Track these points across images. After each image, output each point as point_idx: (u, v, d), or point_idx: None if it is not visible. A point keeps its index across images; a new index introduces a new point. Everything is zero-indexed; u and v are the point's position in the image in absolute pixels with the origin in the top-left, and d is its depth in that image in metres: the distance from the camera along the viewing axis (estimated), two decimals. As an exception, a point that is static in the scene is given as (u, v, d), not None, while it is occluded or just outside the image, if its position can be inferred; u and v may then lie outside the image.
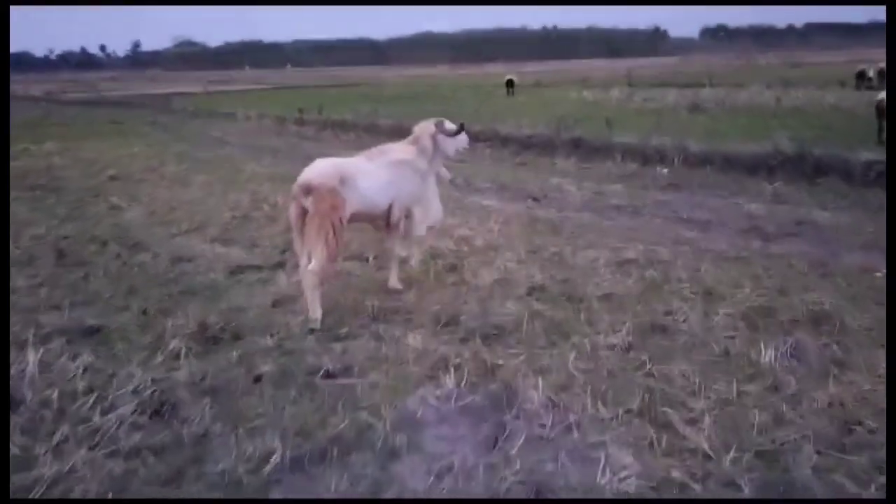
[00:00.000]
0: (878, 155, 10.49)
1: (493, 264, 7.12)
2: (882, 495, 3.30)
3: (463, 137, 6.51)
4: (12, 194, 12.01)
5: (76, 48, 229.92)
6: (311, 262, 5.65)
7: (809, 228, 8.43)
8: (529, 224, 9.00)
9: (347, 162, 6.11)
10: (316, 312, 5.72)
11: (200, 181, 12.55)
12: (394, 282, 6.52)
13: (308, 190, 5.68)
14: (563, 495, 3.45)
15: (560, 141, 14.65)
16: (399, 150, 6.35)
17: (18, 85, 73.47)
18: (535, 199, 10.60)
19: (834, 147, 11.63)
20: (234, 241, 8.44)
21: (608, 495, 3.42)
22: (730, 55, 75.87)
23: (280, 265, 7.38)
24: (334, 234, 5.61)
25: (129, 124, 26.22)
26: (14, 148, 18.06)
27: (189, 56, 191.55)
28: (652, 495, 3.42)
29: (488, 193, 11.27)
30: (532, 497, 3.45)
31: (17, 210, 10.59)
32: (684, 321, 5.55)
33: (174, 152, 16.86)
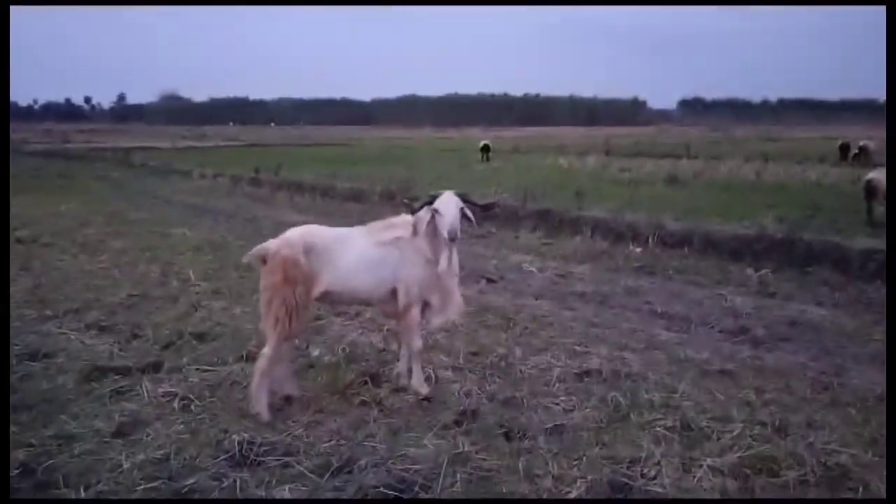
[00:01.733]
0: (877, 243, 9.25)
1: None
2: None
3: (450, 216, 4.91)
4: None
5: (61, 99, 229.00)
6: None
7: (805, 331, 7.07)
8: (478, 314, 7.58)
9: (327, 232, 5.10)
10: (259, 406, 4.83)
11: (116, 248, 11.08)
12: (418, 382, 5.33)
13: (264, 259, 4.88)
14: None
15: (526, 212, 13.37)
16: (405, 227, 5.18)
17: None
18: (489, 281, 9.23)
19: (825, 230, 10.43)
20: (114, 328, 6.94)
21: None
22: (706, 127, 76.42)
23: (154, 367, 5.87)
24: (287, 312, 4.76)
25: (78, 179, 24.81)
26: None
27: (173, 110, 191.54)
28: None
29: (438, 272, 9.88)
30: None
31: None
32: (655, 477, 4.11)
33: (106, 212, 15.41)
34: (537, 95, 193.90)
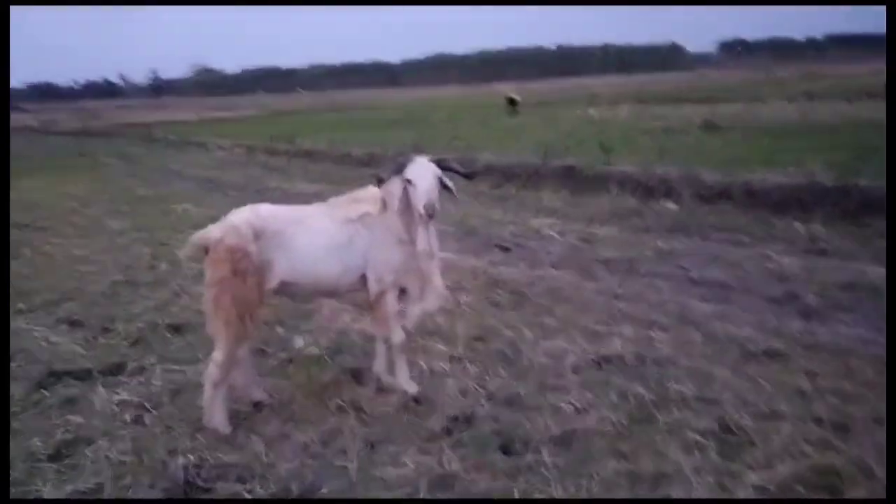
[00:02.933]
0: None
1: (410, 366, 4.89)
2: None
3: (424, 187, 4.09)
4: None
5: (100, 78, 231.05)
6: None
7: (866, 296, 6.08)
8: (487, 289, 6.78)
9: (280, 212, 4.26)
10: (214, 420, 4.15)
11: (113, 229, 10.49)
12: (404, 381, 4.59)
13: (207, 249, 4.13)
14: None
15: (547, 170, 12.39)
16: (373, 201, 4.33)
17: (27, 115, 72.98)
18: (503, 249, 8.37)
19: (883, 175, 9.29)
20: (85, 322, 6.32)
21: None
22: (748, 69, 73.10)
23: (116, 369, 5.22)
24: (238, 311, 4.02)
25: (96, 156, 24.43)
26: (-57, 187, 16.29)
27: (205, 83, 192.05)
28: None
29: (447, 241, 9.01)
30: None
31: None
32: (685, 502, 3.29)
33: (113, 190, 14.91)
34: (569, 47, 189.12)
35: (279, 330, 5.86)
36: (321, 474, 3.71)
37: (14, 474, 3.80)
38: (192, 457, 3.81)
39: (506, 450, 3.87)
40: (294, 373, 5.00)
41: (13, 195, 14.64)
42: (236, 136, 26.57)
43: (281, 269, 4.12)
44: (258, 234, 4.06)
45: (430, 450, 3.89)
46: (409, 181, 4.12)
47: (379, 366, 4.69)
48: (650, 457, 3.70)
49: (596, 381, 4.64)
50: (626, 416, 4.16)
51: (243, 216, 4.15)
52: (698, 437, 3.84)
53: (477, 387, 4.63)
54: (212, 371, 4.09)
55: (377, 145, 17.82)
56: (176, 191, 14.67)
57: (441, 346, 5.29)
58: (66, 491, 3.59)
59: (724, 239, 8.31)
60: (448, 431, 4.07)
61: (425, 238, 4.23)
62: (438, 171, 4.17)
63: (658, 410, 4.17)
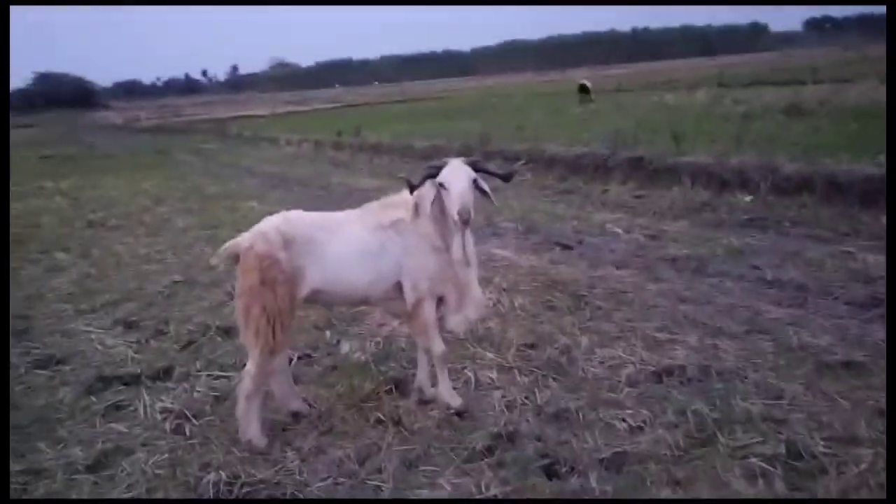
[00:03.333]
0: None
1: (456, 375, 4.68)
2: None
3: (458, 191, 3.79)
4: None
5: (181, 74, 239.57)
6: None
7: (964, 300, 5.49)
8: (544, 290, 6.49)
9: (310, 219, 4.10)
10: (249, 432, 4.01)
11: (179, 227, 10.65)
12: (447, 394, 4.34)
13: (237, 258, 4.02)
14: None
15: (616, 161, 11.90)
16: (406, 207, 4.17)
17: (113, 113, 76.34)
18: (565, 247, 8.03)
19: None
20: (141, 324, 6.37)
21: None
22: (836, 48, 69.16)
23: (163, 374, 5.21)
24: (269, 321, 3.88)
25: (173, 153, 25.15)
26: (29, 186, 17.09)
27: (281, 77, 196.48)
28: None
29: (508, 238, 8.77)
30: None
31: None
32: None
33: (184, 188, 15.21)
34: (646, 29, 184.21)
35: (327, 334, 5.74)
36: (355, 493, 3.54)
37: (53, 486, 3.79)
38: (224, 473, 3.69)
39: (550, 472, 3.61)
40: (337, 381, 4.85)
41: (94, 193, 15.22)
42: (306, 130, 26.87)
43: (312, 278, 3.96)
44: (288, 242, 3.91)
45: (470, 471, 3.66)
46: (441, 185, 3.88)
47: (421, 377, 4.49)
48: (708, 485, 3.38)
49: (654, 396, 4.32)
50: (684, 436, 3.83)
51: (273, 223, 4.01)
52: (764, 465, 3.49)
53: (524, 400, 4.38)
54: (245, 383, 3.97)
55: (441, 137, 17.61)
56: (244, 188, 14.88)
57: (490, 354, 5.05)
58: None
59: (803, 235, 7.75)
60: (490, 450, 3.83)
61: (461, 245, 3.98)
62: (473, 174, 3.90)
63: (720, 431, 3.83)
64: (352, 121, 27.37)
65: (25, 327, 6.52)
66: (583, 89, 31.54)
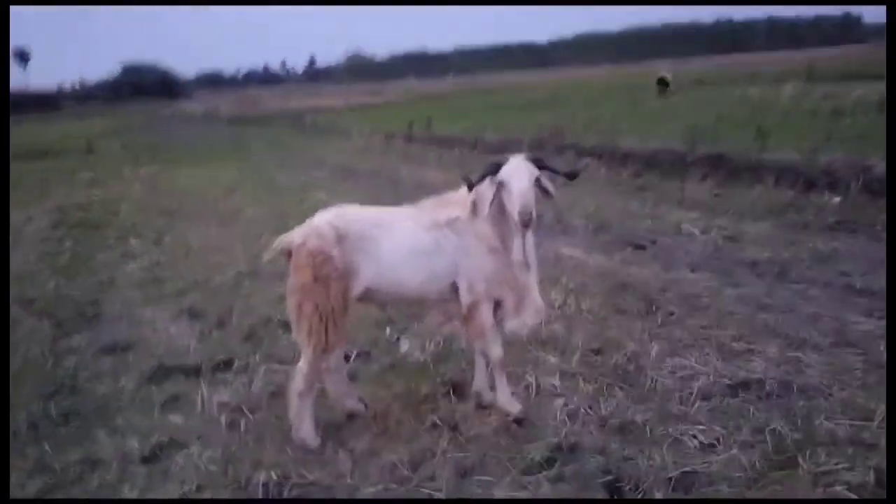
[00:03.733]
0: None
1: (517, 381, 4.50)
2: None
3: (519, 191, 3.59)
4: (65, 224, 11.26)
5: (260, 66, 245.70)
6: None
7: None
8: (614, 293, 6.21)
9: (364, 214, 4.01)
10: (302, 431, 3.94)
11: (249, 217, 10.78)
12: (505, 400, 4.13)
13: (289, 253, 3.93)
14: None
15: (694, 158, 11.41)
16: (464, 204, 3.97)
17: (195, 103, 78.80)
18: (637, 247, 7.71)
19: None
20: (204, 314, 6.42)
21: None
22: (938, 39, 64.62)
23: (223, 365, 5.22)
24: (322, 319, 3.77)
25: (248, 144, 25.69)
26: (110, 173, 17.71)
27: (356, 69, 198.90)
28: None
29: (577, 236, 8.49)
30: None
31: (31, 254, 9.31)
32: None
33: (257, 178, 15.45)
34: (730, 21, 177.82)
35: (386, 331, 5.63)
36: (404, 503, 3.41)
37: (107, 476, 3.80)
38: (275, 473, 3.62)
39: (613, 490, 3.39)
40: (394, 381, 4.73)
41: (171, 182, 15.63)
42: (378, 122, 27.02)
43: (365, 275, 3.84)
44: (341, 238, 3.79)
45: (527, 483, 3.48)
46: (502, 184, 3.67)
47: (479, 381, 4.32)
48: (790, 518, 3.09)
49: (728, 412, 4.04)
50: (760, 458, 3.55)
51: (326, 218, 3.91)
52: (847, 492, 3.18)
53: (588, 409, 4.16)
54: (297, 382, 3.89)
55: (514, 130, 17.35)
56: (313, 179, 14.99)
57: (553, 359, 4.84)
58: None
59: (899, 240, 7.18)
60: (549, 462, 3.63)
61: (521, 248, 3.78)
62: (536, 172, 3.69)
63: (801, 454, 3.52)
64: (424, 113, 27.32)
65: (95, 313, 6.68)
66: (662, 82, 30.55)
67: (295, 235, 3.90)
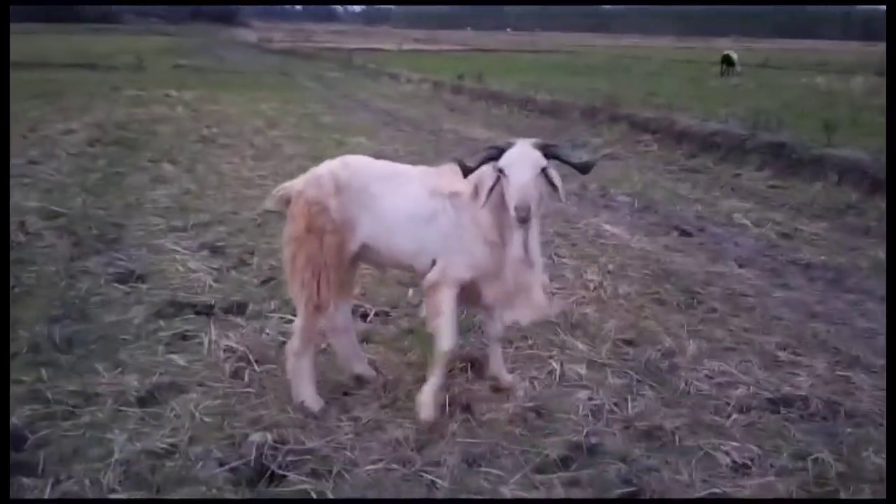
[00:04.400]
0: None
1: (541, 364, 4.21)
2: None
3: (520, 182, 3.17)
4: (102, 141, 11.12)
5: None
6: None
7: None
8: (654, 280, 5.84)
9: (370, 166, 3.72)
10: (301, 394, 3.72)
11: (286, 154, 10.51)
12: (426, 400, 3.61)
13: (287, 200, 3.71)
14: None
15: (754, 144, 10.80)
16: (473, 179, 3.47)
17: (249, 31, 78.46)
18: (683, 233, 7.28)
19: None
20: (226, 251, 6.23)
21: None
22: None
23: (237, 308, 5.01)
24: (314, 273, 3.56)
25: (296, 77, 25.34)
26: (157, 92, 17.55)
27: (414, 15, 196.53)
28: None
29: (621, 213, 8.07)
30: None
31: (64, 167, 9.19)
32: None
33: (300, 113, 15.14)
34: (803, 6, 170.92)
35: (409, 292, 5.34)
36: (404, 487, 3.15)
37: (98, 415, 3.60)
38: (271, 435, 3.37)
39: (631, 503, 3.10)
40: (410, 347, 4.46)
41: (214, 108, 15.41)
42: (428, 70, 26.42)
43: (362, 231, 3.56)
44: (340, 188, 3.51)
45: (539, 483, 3.19)
46: (501, 171, 3.23)
47: (495, 364, 4.02)
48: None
49: (767, 430, 3.69)
50: (799, 487, 3.21)
51: (329, 167, 3.63)
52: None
53: (613, 407, 3.84)
54: (293, 340, 3.70)
55: (566, 93, 16.74)
56: (356, 121, 14.67)
57: (582, 346, 4.52)
58: (135, 449, 3.29)
59: (970, 259, 6.65)
60: (565, 462, 3.34)
61: (521, 244, 3.34)
62: (543, 162, 3.23)
63: (844, 488, 3.19)
64: (476, 65, 26.70)
65: (116, 236, 6.51)
66: (727, 60, 29.39)
67: (297, 183, 3.66)
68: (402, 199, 3.53)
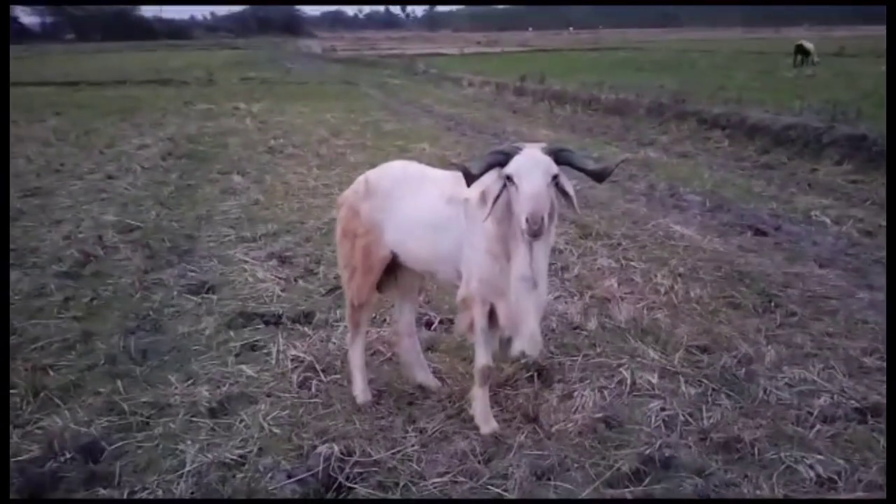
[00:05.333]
0: None
1: (611, 373, 4.09)
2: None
3: (530, 191, 2.90)
4: (174, 155, 11.48)
5: (382, 9, 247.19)
6: None
7: None
8: (728, 283, 5.62)
9: (400, 172, 3.69)
10: (353, 387, 3.93)
11: (351, 162, 10.61)
12: (479, 414, 3.61)
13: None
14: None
15: (832, 137, 10.32)
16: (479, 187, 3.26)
17: (314, 41, 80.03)
18: (758, 233, 6.99)
19: None
20: (293, 260, 6.31)
21: None
22: None
23: (304, 317, 5.06)
24: (350, 273, 3.77)
25: (359, 86, 25.63)
26: (226, 106, 18.02)
27: (476, 17, 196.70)
28: None
29: (691, 213, 7.82)
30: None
31: (139, 181, 9.51)
32: None
33: (363, 122, 15.27)
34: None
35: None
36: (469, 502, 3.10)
37: (171, 426, 3.68)
38: (338, 447, 3.37)
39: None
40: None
41: (281, 119, 15.72)
42: (490, 72, 26.30)
43: (389, 236, 3.57)
44: (370, 193, 3.59)
45: (610, 497, 3.09)
46: (509, 179, 2.98)
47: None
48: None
49: (853, 441, 3.49)
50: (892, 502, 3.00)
51: (369, 173, 3.73)
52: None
53: (688, 417, 3.70)
54: (348, 337, 3.99)
55: (631, 91, 16.36)
56: (419, 127, 14.71)
57: (653, 353, 4.37)
58: (206, 460, 3.34)
59: None
60: (638, 476, 3.22)
61: (527, 260, 3.07)
62: (554, 169, 2.97)
63: (943, 507, 2.96)
64: (539, 65, 26.48)
65: (188, 248, 6.69)
66: (801, 51, 28.16)
67: (349, 189, 3.81)
68: (419, 204, 3.48)
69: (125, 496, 3.14)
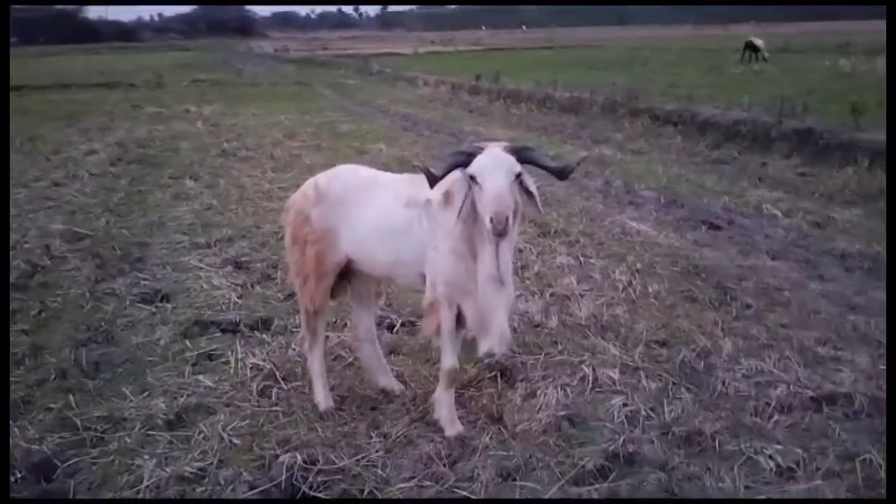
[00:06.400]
0: None
1: (573, 370, 4.11)
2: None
3: (494, 191, 2.90)
4: (124, 160, 11.22)
5: (335, 9, 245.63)
6: None
7: None
8: (684, 277, 5.71)
9: (352, 176, 3.65)
10: (314, 393, 3.89)
11: (307, 165, 10.48)
12: (444, 417, 3.60)
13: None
14: None
15: (780, 132, 10.57)
16: (446, 184, 3.22)
17: (267, 42, 79.08)
18: (712, 227, 7.11)
19: None
20: (249, 266, 6.20)
21: None
22: None
23: (262, 324, 4.96)
24: (303, 280, 3.71)
25: (313, 86, 25.39)
26: (177, 109, 17.67)
27: (428, 17, 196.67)
28: None
29: (646, 209, 7.92)
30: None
31: (87, 188, 9.25)
32: None
33: (318, 123, 15.12)
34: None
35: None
36: (437, 506, 3.07)
37: (127, 440, 3.57)
38: (301, 456, 3.31)
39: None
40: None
41: (233, 121, 15.47)
42: (445, 72, 26.32)
43: (344, 242, 3.54)
44: (321, 199, 3.54)
45: (576, 495, 3.10)
46: (473, 178, 2.98)
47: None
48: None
49: (811, 430, 3.57)
50: (847, 491, 3.08)
51: (318, 177, 3.67)
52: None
53: (650, 412, 3.74)
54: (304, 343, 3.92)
55: (585, 89, 16.53)
56: (375, 127, 14.63)
57: (613, 349, 4.41)
58: (164, 474, 3.25)
59: None
60: (602, 473, 3.24)
61: (493, 260, 3.07)
62: (517, 168, 2.97)
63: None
64: (493, 65, 26.56)
65: (140, 256, 6.52)
66: (750, 47, 28.70)
67: (296, 194, 3.73)
68: (376, 209, 3.45)
69: (80, 515, 3.04)
